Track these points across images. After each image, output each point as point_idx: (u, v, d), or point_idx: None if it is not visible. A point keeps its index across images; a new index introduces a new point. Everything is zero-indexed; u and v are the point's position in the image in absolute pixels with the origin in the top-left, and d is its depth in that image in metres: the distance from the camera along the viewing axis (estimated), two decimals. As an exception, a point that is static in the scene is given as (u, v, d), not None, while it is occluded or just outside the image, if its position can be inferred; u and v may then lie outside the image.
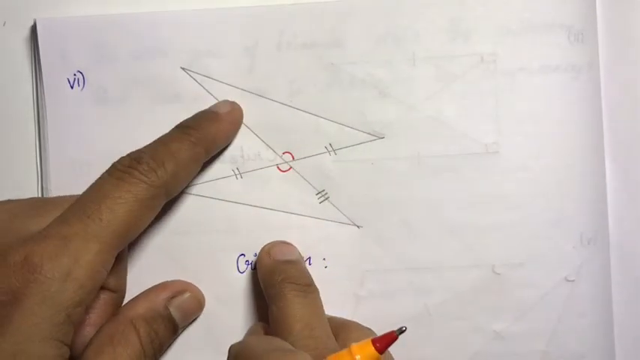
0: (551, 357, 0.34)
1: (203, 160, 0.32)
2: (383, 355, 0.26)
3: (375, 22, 0.33)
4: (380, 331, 0.28)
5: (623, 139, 0.34)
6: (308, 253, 0.34)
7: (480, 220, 0.34)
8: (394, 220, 0.34)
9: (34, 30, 0.34)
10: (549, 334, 0.34)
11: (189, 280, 0.34)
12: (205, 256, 0.34)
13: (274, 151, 0.34)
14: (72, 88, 0.34)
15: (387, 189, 0.34)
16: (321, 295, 0.31)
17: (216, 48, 0.34)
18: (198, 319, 0.34)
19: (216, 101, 0.34)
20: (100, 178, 0.29)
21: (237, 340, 0.29)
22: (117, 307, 0.32)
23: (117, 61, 0.34)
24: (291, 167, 0.34)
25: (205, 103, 0.33)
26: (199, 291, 0.34)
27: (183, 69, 0.34)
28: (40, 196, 0.34)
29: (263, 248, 0.33)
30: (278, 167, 0.34)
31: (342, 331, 0.30)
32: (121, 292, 0.32)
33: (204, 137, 0.32)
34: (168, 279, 0.33)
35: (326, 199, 0.34)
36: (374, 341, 0.26)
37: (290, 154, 0.34)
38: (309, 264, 0.34)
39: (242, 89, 0.34)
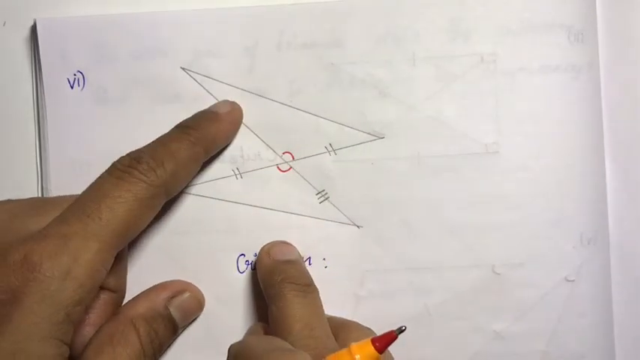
0: (551, 357, 0.34)
1: (202, 160, 0.32)
2: (383, 354, 0.26)
3: (375, 22, 0.33)
4: (380, 330, 0.28)
5: (623, 139, 0.34)
6: (308, 253, 0.34)
7: (479, 220, 0.33)
8: (394, 220, 0.34)
9: (34, 30, 0.34)
10: (549, 334, 0.34)
11: (189, 280, 0.34)
12: (205, 256, 0.34)
13: (274, 151, 0.34)
14: (72, 88, 0.34)
15: (387, 189, 0.34)
16: (321, 295, 0.31)
17: (216, 48, 0.34)
18: (198, 319, 0.34)
19: (216, 101, 0.34)
20: (99, 177, 0.29)
21: (237, 340, 0.29)
22: (117, 306, 0.32)
23: (117, 61, 0.34)
24: (291, 167, 0.34)
25: (205, 103, 0.33)
26: (199, 291, 0.34)
27: (183, 69, 0.34)
28: (40, 196, 0.34)
29: (263, 248, 0.33)
30: (278, 167, 0.34)
31: (342, 331, 0.30)
32: (120, 291, 0.32)
33: (203, 137, 0.32)
34: (168, 279, 0.33)
35: (326, 199, 0.34)
36: (373, 341, 0.26)
37: (290, 154, 0.34)
38: (309, 264, 0.34)
39: (242, 89, 0.34)
